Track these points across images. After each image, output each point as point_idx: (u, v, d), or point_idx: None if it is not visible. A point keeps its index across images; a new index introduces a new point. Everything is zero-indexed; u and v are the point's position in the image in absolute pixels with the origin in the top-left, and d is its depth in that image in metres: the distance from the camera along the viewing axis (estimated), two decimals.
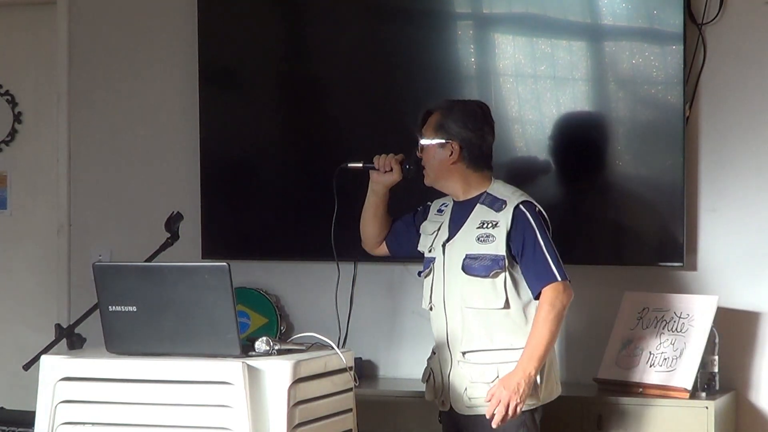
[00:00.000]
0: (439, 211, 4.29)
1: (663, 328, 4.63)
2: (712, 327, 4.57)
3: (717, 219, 4.84)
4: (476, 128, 4.19)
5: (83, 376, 3.61)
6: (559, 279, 4.03)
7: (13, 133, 5.77)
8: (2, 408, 4.71)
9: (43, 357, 3.69)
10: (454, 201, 4.25)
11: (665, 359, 4.57)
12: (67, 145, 5.61)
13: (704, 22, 4.82)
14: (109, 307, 3.64)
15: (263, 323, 5.24)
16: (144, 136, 5.51)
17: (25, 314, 5.71)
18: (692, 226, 4.83)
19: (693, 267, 4.83)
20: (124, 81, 5.54)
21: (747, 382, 4.80)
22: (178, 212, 4.60)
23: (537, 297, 4.05)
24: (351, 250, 5.10)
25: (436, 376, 4.19)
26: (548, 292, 4.02)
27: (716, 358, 4.62)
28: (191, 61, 5.35)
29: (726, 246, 4.83)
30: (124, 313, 3.62)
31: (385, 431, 4.64)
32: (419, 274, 4.29)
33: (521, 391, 3.94)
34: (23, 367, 4.31)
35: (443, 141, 4.16)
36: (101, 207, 5.57)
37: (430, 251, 4.23)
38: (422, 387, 4.31)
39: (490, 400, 3.97)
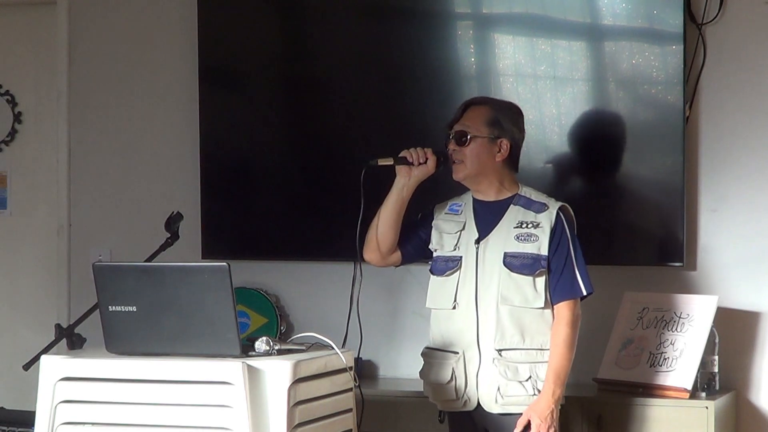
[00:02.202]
0: (453, 210, 4.23)
1: (663, 328, 4.63)
2: (712, 327, 4.57)
3: (717, 219, 4.84)
4: (522, 129, 4.20)
5: (83, 376, 3.61)
6: (584, 293, 4.09)
7: (13, 133, 5.77)
8: (2, 408, 4.71)
9: (43, 357, 3.69)
10: (475, 200, 4.19)
11: (665, 359, 4.57)
12: (67, 145, 5.61)
13: (704, 22, 4.82)
14: (109, 307, 3.64)
15: (263, 323, 5.24)
16: (144, 136, 5.51)
17: (25, 314, 5.71)
18: (692, 226, 4.83)
19: (693, 267, 4.84)
20: (124, 81, 5.54)
21: (747, 382, 4.81)
22: (178, 212, 4.60)
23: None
24: (351, 249, 5.10)
25: (459, 376, 4.12)
26: (566, 310, 4.07)
27: (716, 358, 4.62)
28: (191, 61, 5.35)
29: (726, 246, 4.83)
30: (124, 313, 3.62)
31: (385, 431, 4.64)
32: (434, 272, 4.19)
33: (555, 417, 4.00)
34: (23, 367, 4.31)
35: (494, 136, 4.12)
36: (101, 207, 5.57)
37: (454, 249, 4.16)
38: (421, 387, 4.28)
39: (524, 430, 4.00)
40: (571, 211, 4.16)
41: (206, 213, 5.30)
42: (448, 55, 5.04)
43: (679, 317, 4.62)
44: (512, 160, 4.16)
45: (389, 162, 4.18)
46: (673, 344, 4.58)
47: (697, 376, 4.52)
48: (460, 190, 4.27)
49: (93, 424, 3.58)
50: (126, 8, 5.55)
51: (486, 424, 4.14)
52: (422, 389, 4.29)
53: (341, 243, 5.10)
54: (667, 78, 4.77)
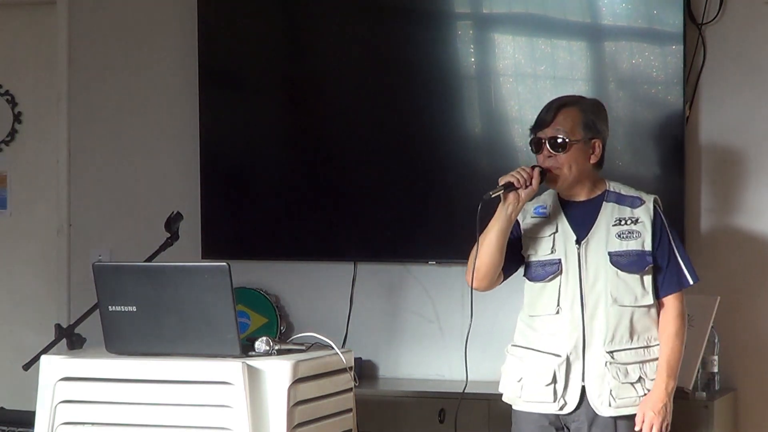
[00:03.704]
0: (539, 213, 4.09)
1: None
2: (712, 327, 4.57)
3: (717, 219, 4.84)
4: (608, 125, 4.12)
5: (83, 376, 3.61)
6: (691, 282, 4.03)
7: (13, 133, 5.77)
8: (2, 408, 4.71)
9: (43, 357, 3.70)
10: (564, 201, 4.08)
11: None
12: (67, 145, 5.60)
13: (704, 22, 4.82)
14: (109, 307, 3.64)
15: (263, 323, 5.24)
16: (144, 137, 5.51)
17: (25, 314, 5.71)
18: (692, 226, 4.83)
19: None
20: (124, 81, 5.53)
21: (747, 382, 4.80)
22: (178, 212, 4.61)
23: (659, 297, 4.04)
24: (351, 250, 5.11)
25: (560, 379, 3.98)
26: (675, 302, 4.02)
27: (716, 358, 4.62)
28: (191, 62, 5.35)
29: (726, 246, 4.83)
30: (124, 313, 3.62)
31: (385, 431, 4.64)
32: (533, 278, 4.05)
33: (668, 410, 3.97)
34: (23, 367, 4.31)
35: (588, 138, 4.01)
36: (101, 207, 5.57)
37: (551, 252, 4.03)
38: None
39: (641, 429, 3.95)
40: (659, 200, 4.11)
41: (206, 213, 5.30)
42: (448, 55, 5.04)
43: None
44: (603, 159, 4.08)
45: (500, 192, 3.98)
46: None
47: (697, 376, 4.52)
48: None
49: (93, 424, 3.58)
50: (126, 8, 5.55)
51: (574, 425, 4.02)
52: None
53: (341, 243, 5.11)
54: (667, 78, 4.77)
